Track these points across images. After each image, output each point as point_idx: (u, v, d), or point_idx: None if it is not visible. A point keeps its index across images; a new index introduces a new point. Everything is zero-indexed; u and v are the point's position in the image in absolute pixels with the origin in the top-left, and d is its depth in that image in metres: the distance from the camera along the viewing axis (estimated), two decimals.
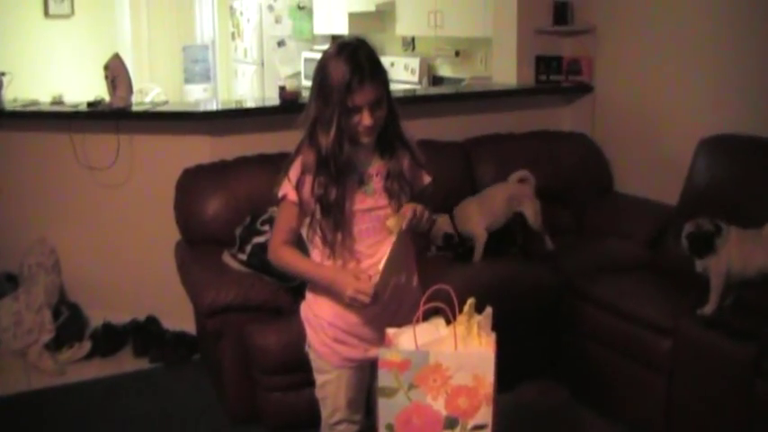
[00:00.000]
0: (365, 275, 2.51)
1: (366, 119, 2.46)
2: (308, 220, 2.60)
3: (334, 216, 2.54)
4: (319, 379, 2.78)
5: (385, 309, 2.61)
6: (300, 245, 2.68)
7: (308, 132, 2.53)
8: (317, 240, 2.61)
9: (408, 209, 2.54)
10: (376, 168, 2.60)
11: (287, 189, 2.58)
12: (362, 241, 2.61)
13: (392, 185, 2.60)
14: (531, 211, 4.42)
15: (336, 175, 2.51)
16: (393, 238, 2.50)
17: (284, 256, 2.64)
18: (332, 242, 2.57)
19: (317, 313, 2.70)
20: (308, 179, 2.54)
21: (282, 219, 2.65)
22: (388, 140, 2.60)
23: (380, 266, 2.48)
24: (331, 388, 2.74)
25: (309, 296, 2.75)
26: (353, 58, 2.42)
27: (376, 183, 2.60)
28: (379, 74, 2.49)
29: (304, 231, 2.64)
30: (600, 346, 3.97)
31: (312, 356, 2.78)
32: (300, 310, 2.81)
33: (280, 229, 2.66)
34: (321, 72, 2.48)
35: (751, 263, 3.48)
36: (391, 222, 2.52)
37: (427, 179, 2.76)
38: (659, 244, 4.37)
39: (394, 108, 2.58)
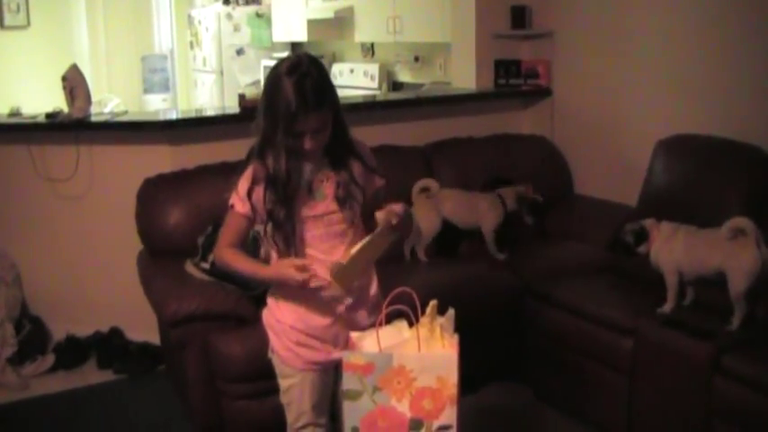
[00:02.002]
0: (305, 262, 2.54)
1: (308, 143, 2.50)
2: (266, 228, 2.63)
3: (284, 231, 2.58)
4: (283, 384, 2.79)
5: (346, 310, 2.65)
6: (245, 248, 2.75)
7: (258, 146, 2.57)
8: (272, 250, 2.66)
9: (400, 207, 2.55)
10: (325, 175, 2.63)
11: (235, 199, 2.63)
12: (316, 247, 2.64)
13: (342, 193, 2.63)
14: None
15: (284, 196, 2.55)
16: (377, 230, 2.50)
17: (228, 259, 2.70)
18: (285, 252, 2.61)
19: (279, 318, 2.72)
20: (259, 189, 2.58)
21: (229, 226, 2.70)
22: (337, 152, 2.63)
23: (353, 251, 2.50)
24: (295, 392, 2.76)
25: (271, 302, 2.77)
26: (300, 88, 2.43)
27: (326, 188, 2.63)
28: (323, 103, 2.50)
29: (263, 243, 2.70)
30: (562, 347, 4.01)
31: (276, 362, 2.79)
32: (263, 317, 2.82)
33: (225, 234, 2.71)
34: (270, 89, 2.51)
35: (705, 262, 3.51)
36: (380, 215, 2.52)
37: (380, 182, 2.78)
38: None
39: (342, 122, 2.61)
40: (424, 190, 4.57)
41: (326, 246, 2.64)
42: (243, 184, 2.60)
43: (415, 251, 4.46)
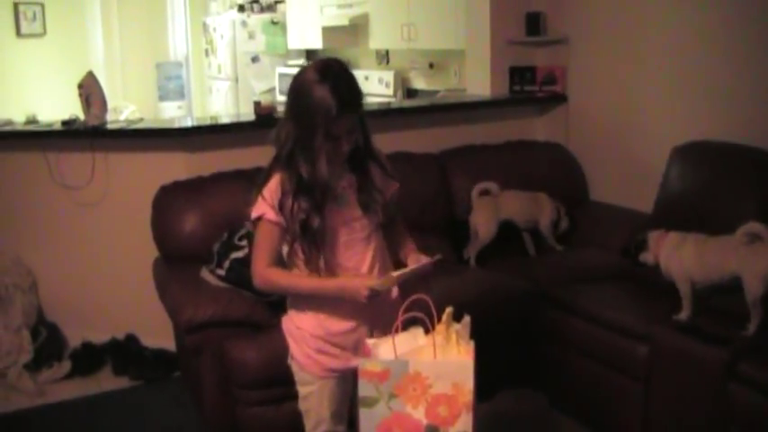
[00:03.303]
0: (376, 285, 2.52)
1: (345, 146, 2.49)
2: (287, 240, 2.61)
3: (316, 240, 2.55)
4: (302, 391, 2.79)
5: (366, 318, 2.64)
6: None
7: (287, 154, 2.52)
8: (299, 260, 2.62)
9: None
10: (347, 181, 2.62)
11: (264, 209, 2.56)
12: (342, 254, 2.62)
13: (365, 198, 2.63)
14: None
15: (321, 202, 2.53)
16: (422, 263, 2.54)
17: (276, 279, 2.63)
18: (314, 262, 2.57)
19: (299, 325, 2.72)
20: (288, 199, 2.53)
21: (263, 240, 2.61)
22: (359, 155, 2.62)
23: (394, 274, 2.54)
24: (314, 399, 2.75)
25: (291, 310, 2.77)
26: (337, 89, 2.43)
27: (349, 195, 2.62)
28: (359, 103, 2.52)
29: (284, 251, 2.64)
30: (577, 353, 4.00)
31: (295, 369, 2.79)
32: (282, 324, 2.82)
33: (262, 250, 2.62)
34: (302, 96, 2.48)
35: (719, 269, 3.50)
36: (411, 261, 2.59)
37: (395, 186, 2.77)
38: None
39: (366, 125, 2.60)
40: (485, 192, 4.61)
41: (350, 253, 2.63)
42: (269, 192, 2.55)
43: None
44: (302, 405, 2.80)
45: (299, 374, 2.78)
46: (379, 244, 2.69)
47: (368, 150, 2.64)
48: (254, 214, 2.59)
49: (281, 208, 2.53)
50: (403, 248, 2.80)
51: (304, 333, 2.71)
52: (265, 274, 2.61)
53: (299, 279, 2.63)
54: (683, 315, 3.59)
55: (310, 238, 2.54)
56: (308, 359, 2.72)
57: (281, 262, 2.66)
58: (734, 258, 3.44)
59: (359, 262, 2.64)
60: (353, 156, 2.60)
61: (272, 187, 2.55)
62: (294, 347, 2.76)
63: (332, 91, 2.42)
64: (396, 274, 2.54)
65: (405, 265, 2.70)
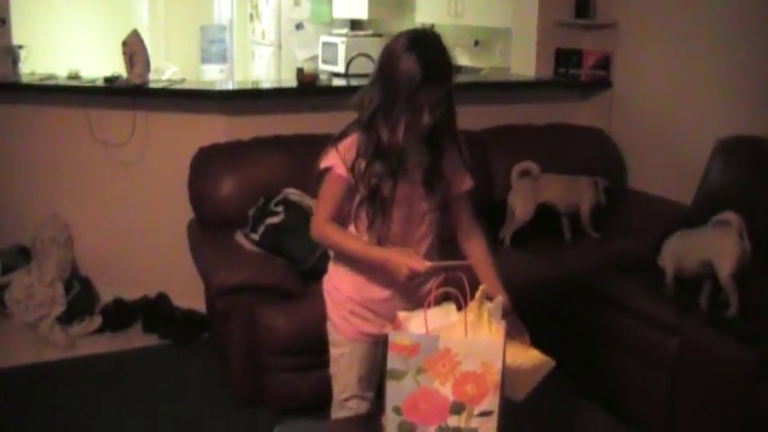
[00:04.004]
0: (417, 254, 2.50)
1: (426, 119, 2.45)
2: (355, 201, 2.58)
3: (384, 206, 2.54)
4: (334, 353, 2.80)
5: (405, 291, 2.63)
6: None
7: (368, 118, 2.49)
8: (360, 224, 2.60)
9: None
10: (420, 159, 2.59)
11: (335, 161, 2.54)
12: (395, 229, 2.59)
13: (431, 180, 2.60)
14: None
15: (396, 169, 2.51)
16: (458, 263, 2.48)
17: (331, 235, 2.61)
18: (376, 228, 2.55)
19: (337, 286, 2.73)
20: (362, 161, 2.51)
21: (328, 192, 2.60)
22: (440, 135, 2.57)
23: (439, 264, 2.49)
24: (344, 362, 2.76)
25: (332, 269, 2.78)
26: (424, 57, 2.38)
27: (416, 174, 2.59)
28: (446, 76, 2.47)
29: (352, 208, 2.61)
30: (607, 342, 3.97)
31: (329, 329, 2.80)
32: (323, 283, 2.82)
33: (325, 202, 2.61)
34: (389, 63, 2.44)
35: (697, 255, 3.67)
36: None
37: (468, 184, 2.74)
38: None
39: (453, 105, 2.56)
40: (525, 174, 4.59)
41: (403, 229, 2.61)
42: (346, 149, 2.53)
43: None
44: (332, 368, 2.81)
45: (332, 335, 2.79)
46: (431, 228, 2.67)
47: (450, 133, 2.59)
48: (322, 164, 2.57)
49: (351, 167, 2.52)
50: (469, 240, 2.76)
51: (341, 294, 2.72)
52: (322, 227, 2.61)
53: (351, 240, 2.61)
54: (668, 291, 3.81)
55: (378, 205, 2.53)
56: (342, 320, 2.73)
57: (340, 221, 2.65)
58: (707, 245, 3.62)
59: (408, 240, 2.62)
60: (433, 136, 2.56)
61: (348, 144, 2.53)
62: (330, 307, 2.77)
63: (419, 59, 2.37)
64: (439, 264, 2.49)
65: (463, 257, 2.69)
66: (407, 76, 2.37)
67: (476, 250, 2.73)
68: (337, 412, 2.84)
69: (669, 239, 3.85)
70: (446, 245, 2.75)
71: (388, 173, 2.50)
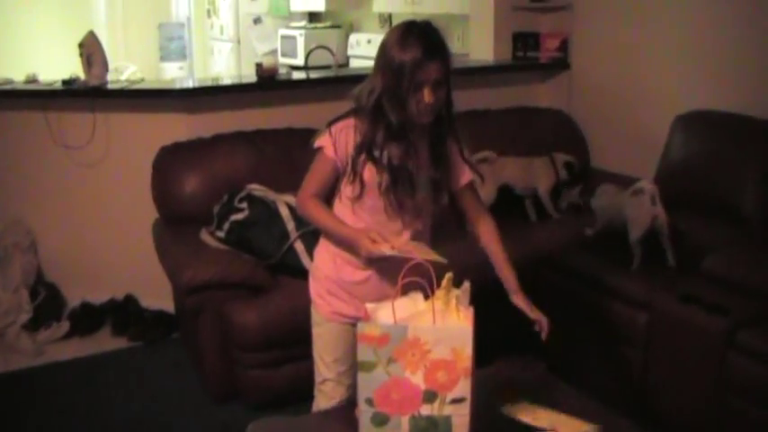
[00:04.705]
0: (380, 238, 2.51)
1: (428, 96, 2.47)
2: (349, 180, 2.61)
3: (410, 182, 2.57)
4: (314, 333, 2.83)
5: (382, 274, 2.65)
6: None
7: (373, 105, 2.52)
8: (345, 199, 2.64)
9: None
10: (424, 153, 2.62)
11: (325, 142, 2.61)
12: (386, 218, 2.63)
13: (435, 172, 2.63)
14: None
15: (414, 141, 2.55)
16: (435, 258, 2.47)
17: (312, 210, 2.67)
18: (399, 208, 2.61)
19: (318, 264, 2.79)
20: (362, 155, 2.55)
21: (316, 170, 2.66)
22: (440, 126, 2.62)
23: (412, 248, 2.50)
24: (320, 343, 2.80)
25: (317, 248, 2.82)
26: (423, 37, 2.45)
27: (419, 170, 2.61)
28: (444, 53, 2.51)
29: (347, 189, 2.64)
30: (577, 320, 4.00)
31: (312, 309, 2.83)
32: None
33: (312, 179, 2.67)
34: (388, 50, 2.48)
35: (618, 215, 4.06)
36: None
37: (468, 176, 2.77)
38: None
39: (450, 95, 2.61)
40: (482, 161, 4.61)
41: (393, 220, 2.64)
42: (338, 131, 2.58)
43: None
44: (314, 352, 2.84)
45: (313, 315, 2.82)
46: (426, 222, 2.73)
47: (449, 121, 2.64)
48: (316, 144, 2.64)
49: (341, 146, 2.57)
50: (479, 228, 2.84)
51: (320, 272, 2.76)
52: (306, 200, 2.68)
53: (325, 215, 2.66)
54: (589, 231, 4.31)
55: (407, 183, 2.57)
56: (320, 299, 2.77)
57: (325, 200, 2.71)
58: (622, 210, 4.00)
59: (399, 228, 2.65)
60: (433, 129, 2.61)
61: (340, 126, 2.59)
62: (312, 284, 2.82)
63: (419, 38, 2.44)
64: (399, 254, 2.49)
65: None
66: (409, 55, 2.42)
67: (487, 240, 2.81)
68: (317, 399, 2.86)
69: (595, 196, 4.27)
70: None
71: (408, 148, 2.54)
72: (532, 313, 2.70)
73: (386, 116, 2.50)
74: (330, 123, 2.62)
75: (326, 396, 2.81)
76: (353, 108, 2.60)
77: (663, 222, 3.90)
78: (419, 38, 2.44)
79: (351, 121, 2.58)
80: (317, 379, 2.83)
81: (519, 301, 2.74)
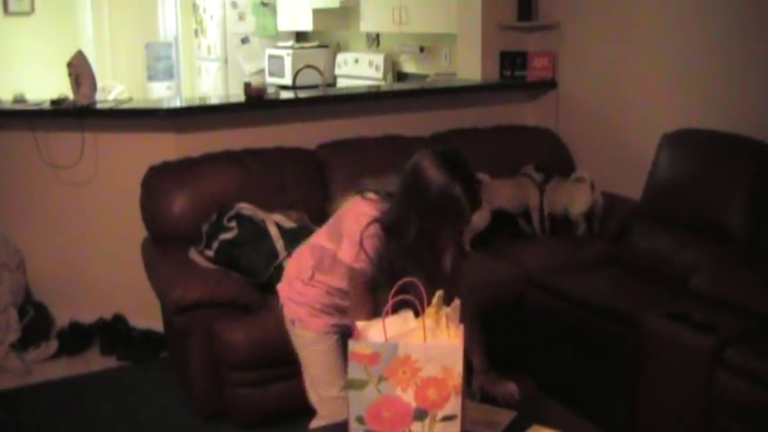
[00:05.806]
0: None
1: (466, 236, 2.60)
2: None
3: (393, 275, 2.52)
4: (310, 352, 2.87)
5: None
6: None
7: (409, 245, 2.50)
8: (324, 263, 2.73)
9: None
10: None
11: (362, 262, 2.60)
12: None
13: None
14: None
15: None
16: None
17: (354, 293, 2.67)
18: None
19: (301, 291, 2.83)
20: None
21: (358, 291, 2.66)
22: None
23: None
24: (322, 358, 2.84)
25: (299, 286, 2.84)
26: (469, 189, 2.44)
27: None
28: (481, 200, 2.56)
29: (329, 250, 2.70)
30: (565, 338, 4.01)
31: (297, 332, 2.88)
32: (279, 292, 2.94)
33: (359, 305, 2.65)
34: (429, 192, 2.45)
35: (560, 201, 4.70)
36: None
37: (461, 270, 2.75)
38: (624, 239, 4.42)
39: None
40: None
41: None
42: (367, 239, 2.57)
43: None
44: (310, 375, 2.87)
45: (302, 336, 2.84)
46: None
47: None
48: (354, 265, 2.61)
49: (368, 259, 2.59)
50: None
51: (304, 298, 2.81)
52: (359, 282, 2.64)
53: (359, 312, 2.60)
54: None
55: (390, 279, 2.49)
56: (311, 317, 2.80)
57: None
58: (565, 195, 4.67)
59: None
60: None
61: (369, 233, 2.57)
62: (293, 308, 2.84)
63: (464, 191, 2.42)
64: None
65: None
66: (456, 209, 2.43)
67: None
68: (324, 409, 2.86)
69: (550, 189, 4.76)
70: None
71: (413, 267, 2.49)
72: (497, 390, 2.68)
73: (420, 257, 2.52)
74: (362, 232, 2.56)
75: (333, 412, 2.78)
76: (375, 218, 2.56)
77: (600, 206, 4.65)
78: (465, 190, 2.42)
79: (375, 230, 2.56)
80: (325, 393, 2.84)
81: (483, 382, 2.72)
